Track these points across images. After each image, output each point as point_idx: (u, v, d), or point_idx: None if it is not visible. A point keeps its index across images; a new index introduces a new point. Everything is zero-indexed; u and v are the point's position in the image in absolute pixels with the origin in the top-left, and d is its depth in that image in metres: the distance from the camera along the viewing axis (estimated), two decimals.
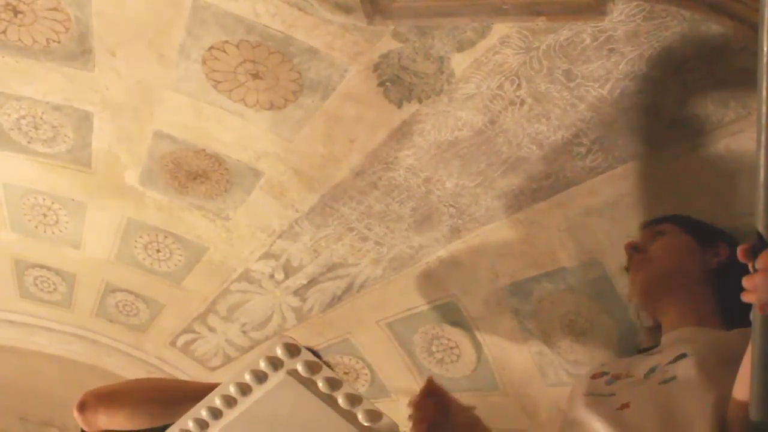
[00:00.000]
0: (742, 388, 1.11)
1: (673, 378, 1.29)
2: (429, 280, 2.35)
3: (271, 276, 2.57)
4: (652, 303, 1.61)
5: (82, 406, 1.67)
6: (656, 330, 1.69)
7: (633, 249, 1.65)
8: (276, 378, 1.41)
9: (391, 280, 2.40)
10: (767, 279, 0.92)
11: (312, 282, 2.53)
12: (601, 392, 1.36)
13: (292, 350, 1.40)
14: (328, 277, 2.49)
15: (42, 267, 3.00)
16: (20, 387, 3.47)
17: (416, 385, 2.69)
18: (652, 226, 1.69)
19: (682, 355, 1.32)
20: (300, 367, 1.40)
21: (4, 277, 3.09)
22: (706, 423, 1.17)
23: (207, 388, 1.68)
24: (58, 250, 2.86)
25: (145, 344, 3.27)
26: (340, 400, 1.40)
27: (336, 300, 2.57)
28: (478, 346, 2.46)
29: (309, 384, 1.40)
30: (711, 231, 1.65)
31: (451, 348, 2.52)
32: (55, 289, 3.10)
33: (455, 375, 2.58)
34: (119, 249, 2.75)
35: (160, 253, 2.70)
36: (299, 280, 2.55)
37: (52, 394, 3.46)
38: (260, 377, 1.42)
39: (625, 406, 1.29)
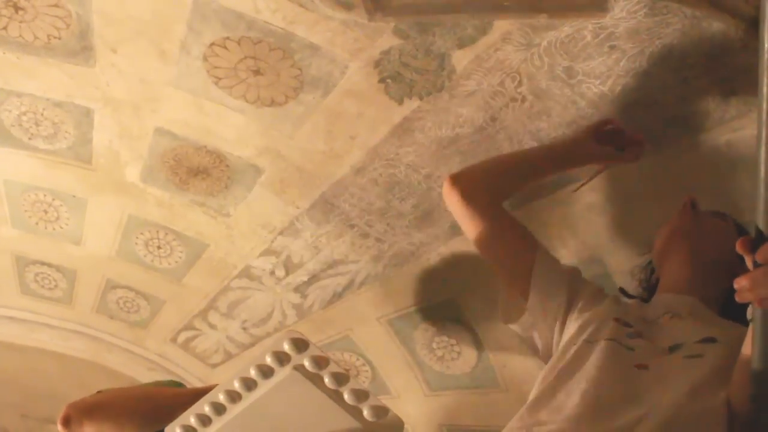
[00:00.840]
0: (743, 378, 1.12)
1: (700, 356, 1.28)
2: (430, 277, 2.35)
3: (272, 273, 2.57)
4: (672, 251, 1.58)
5: (67, 421, 1.65)
6: (649, 288, 1.69)
7: (692, 204, 1.62)
8: (282, 373, 1.40)
9: (392, 277, 2.40)
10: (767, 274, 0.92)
11: (313, 279, 2.53)
12: (622, 342, 1.34)
13: (299, 345, 1.39)
14: (329, 273, 2.49)
15: (43, 263, 3.00)
16: (21, 384, 3.48)
17: (416, 383, 2.70)
18: (720, 211, 1.66)
19: (711, 339, 1.32)
20: (307, 363, 1.39)
21: (4, 273, 3.09)
22: (723, 407, 1.17)
23: (193, 395, 1.67)
24: (59, 247, 2.86)
25: (146, 341, 3.27)
26: (346, 396, 1.39)
27: (336, 297, 2.57)
28: (478, 344, 2.46)
29: (315, 379, 1.39)
30: None
31: (452, 345, 2.52)
32: (55, 286, 3.11)
33: (456, 372, 2.59)
34: (120, 245, 2.75)
35: (161, 250, 2.70)
36: (300, 276, 2.55)
37: (53, 391, 3.46)
38: (266, 372, 1.41)
39: (643, 366, 1.27)
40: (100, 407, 1.72)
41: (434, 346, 2.55)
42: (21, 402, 3.47)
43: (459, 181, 1.64)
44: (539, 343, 1.54)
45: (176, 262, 2.73)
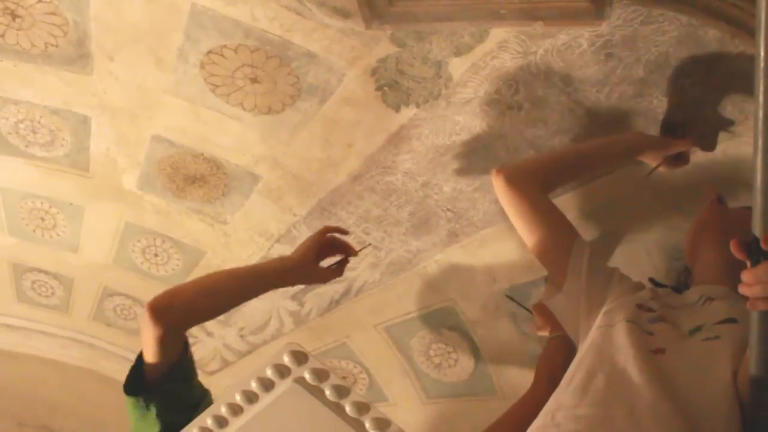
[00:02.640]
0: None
1: (717, 337, 1.30)
2: (427, 284, 2.35)
3: None
4: (702, 244, 1.61)
5: (156, 309, 1.51)
6: (683, 276, 1.72)
7: (718, 199, 1.65)
8: (283, 386, 1.40)
9: (389, 284, 2.40)
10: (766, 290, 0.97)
11: (310, 286, 2.53)
12: (642, 327, 1.36)
13: (300, 358, 1.39)
14: None
15: (40, 271, 3.00)
16: (18, 391, 3.46)
17: (414, 390, 2.69)
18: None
19: (732, 320, 1.33)
20: (307, 375, 1.39)
21: (1, 281, 3.09)
22: (733, 387, 1.19)
23: (273, 268, 1.77)
24: (56, 254, 2.85)
25: None
26: (348, 408, 1.39)
27: (334, 304, 2.56)
28: (475, 351, 2.46)
29: (316, 392, 1.40)
30: None
31: (449, 352, 2.51)
32: (52, 293, 3.10)
33: (453, 380, 2.58)
34: (117, 253, 2.74)
35: (158, 258, 2.69)
36: None
37: (50, 399, 3.45)
38: (267, 385, 1.41)
39: (660, 351, 1.29)
40: (184, 287, 1.68)
41: (431, 353, 2.55)
42: (17, 410, 3.45)
43: (505, 167, 1.67)
44: (570, 325, 1.57)
45: (173, 269, 2.73)
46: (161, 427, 1.56)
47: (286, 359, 1.39)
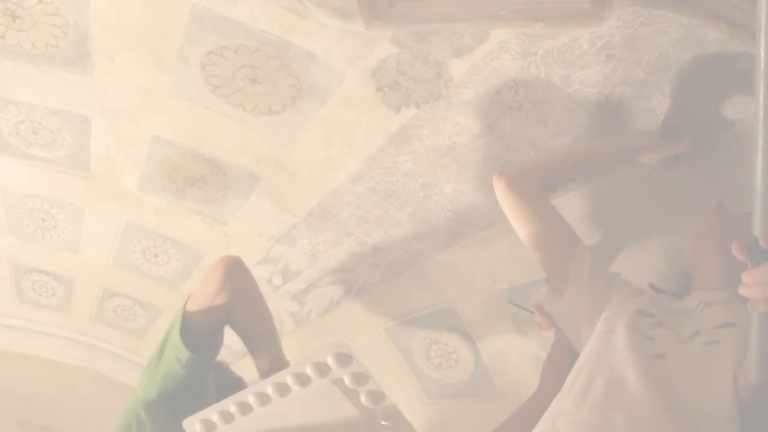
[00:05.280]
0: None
1: (716, 342, 1.30)
2: (427, 285, 2.35)
3: (270, 281, 2.57)
4: (702, 250, 1.61)
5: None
6: (684, 281, 1.71)
7: (719, 204, 1.64)
8: (319, 384, 1.40)
9: (390, 285, 2.40)
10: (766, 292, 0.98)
11: (310, 287, 2.53)
12: (642, 332, 1.36)
13: (343, 359, 1.39)
14: (326, 281, 2.49)
15: (40, 271, 3.00)
16: (18, 392, 3.47)
17: (414, 391, 2.69)
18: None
19: (731, 324, 1.34)
20: (347, 378, 1.39)
21: (2, 281, 3.09)
22: (732, 391, 1.19)
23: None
24: (57, 255, 2.85)
25: (143, 349, 3.26)
26: (379, 414, 1.40)
27: (334, 305, 2.56)
28: (476, 351, 2.46)
29: (351, 395, 1.40)
30: None
31: (449, 353, 2.51)
32: (53, 294, 3.10)
33: (453, 380, 2.58)
34: (117, 253, 2.74)
35: (158, 258, 2.69)
36: (297, 284, 2.54)
37: (50, 399, 3.46)
38: (303, 381, 1.41)
39: (660, 356, 1.29)
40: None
41: (432, 354, 2.55)
42: (18, 410, 3.46)
43: (506, 171, 1.67)
44: (571, 331, 1.57)
45: (174, 270, 2.73)
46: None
47: (329, 360, 1.39)
